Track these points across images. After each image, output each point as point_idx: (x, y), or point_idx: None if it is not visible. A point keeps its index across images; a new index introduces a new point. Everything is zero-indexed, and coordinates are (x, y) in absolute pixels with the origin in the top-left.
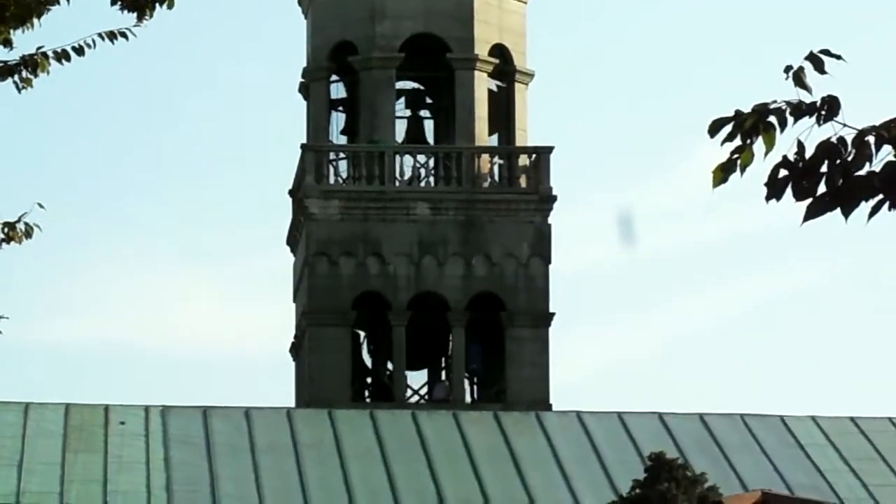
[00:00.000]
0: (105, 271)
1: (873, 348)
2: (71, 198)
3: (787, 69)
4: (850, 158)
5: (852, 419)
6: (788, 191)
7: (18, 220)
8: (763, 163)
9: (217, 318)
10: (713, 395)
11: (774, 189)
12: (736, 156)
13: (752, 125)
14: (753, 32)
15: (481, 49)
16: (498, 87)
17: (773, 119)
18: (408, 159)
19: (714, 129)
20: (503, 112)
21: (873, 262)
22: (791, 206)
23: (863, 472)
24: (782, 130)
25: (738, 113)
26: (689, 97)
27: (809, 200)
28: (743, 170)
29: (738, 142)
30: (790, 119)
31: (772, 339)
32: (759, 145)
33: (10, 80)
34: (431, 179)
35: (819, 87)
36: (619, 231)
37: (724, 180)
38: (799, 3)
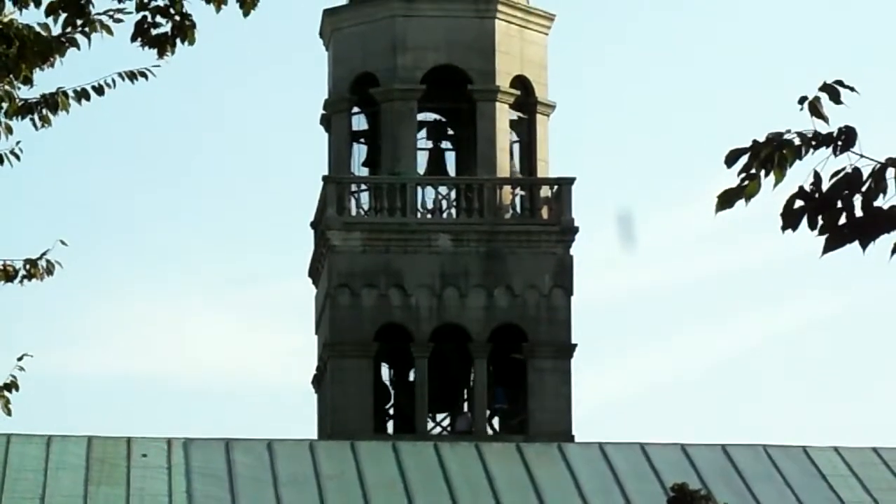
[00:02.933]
0: (127, 304)
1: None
2: (92, 232)
3: (802, 100)
4: (865, 189)
5: (875, 450)
6: (805, 221)
7: (41, 257)
8: (776, 192)
9: (239, 349)
10: (735, 425)
11: (790, 220)
12: (745, 184)
13: (768, 155)
14: (773, 64)
15: (503, 81)
16: (520, 118)
17: (788, 149)
18: (429, 191)
19: (731, 159)
20: (525, 143)
21: (893, 293)
22: (811, 236)
23: (885, 503)
24: (799, 160)
25: (754, 143)
26: (710, 128)
27: (829, 233)
28: (748, 199)
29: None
30: (806, 149)
31: (794, 370)
32: (770, 175)
33: (28, 118)
34: (453, 211)
35: (833, 117)
36: (618, 231)
37: (728, 206)
38: (815, 34)
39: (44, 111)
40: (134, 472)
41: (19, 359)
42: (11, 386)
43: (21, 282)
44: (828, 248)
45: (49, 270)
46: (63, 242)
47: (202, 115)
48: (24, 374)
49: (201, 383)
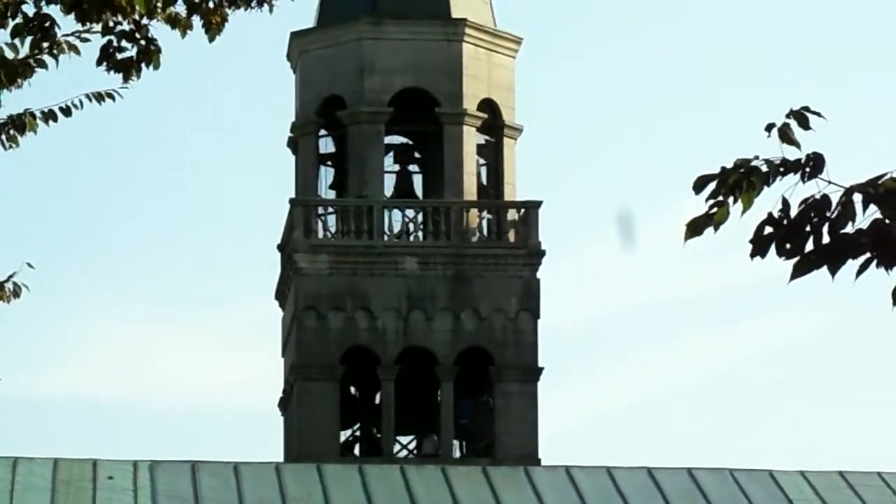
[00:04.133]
0: (93, 326)
1: (861, 403)
2: (58, 254)
3: (769, 127)
4: (834, 216)
5: (841, 473)
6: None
7: (7, 280)
8: (743, 219)
9: (206, 372)
10: (702, 449)
11: (759, 247)
12: (713, 211)
13: (736, 181)
14: (740, 87)
15: (470, 104)
16: (487, 141)
17: (756, 176)
18: (396, 214)
19: (699, 185)
20: (492, 166)
21: (860, 317)
22: (776, 260)
23: None
24: (768, 186)
25: (723, 170)
26: (677, 151)
27: (796, 259)
28: (717, 227)
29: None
30: (774, 176)
31: (760, 393)
32: (739, 202)
33: None
34: (420, 234)
35: (801, 142)
36: (618, 232)
37: (697, 234)
38: (782, 58)
39: (11, 132)
40: (100, 494)
41: None
42: None
43: None
44: (795, 274)
45: (16, 293)
46: (30, 265)
47: (169, 137)
48: None
49: (168, 406)
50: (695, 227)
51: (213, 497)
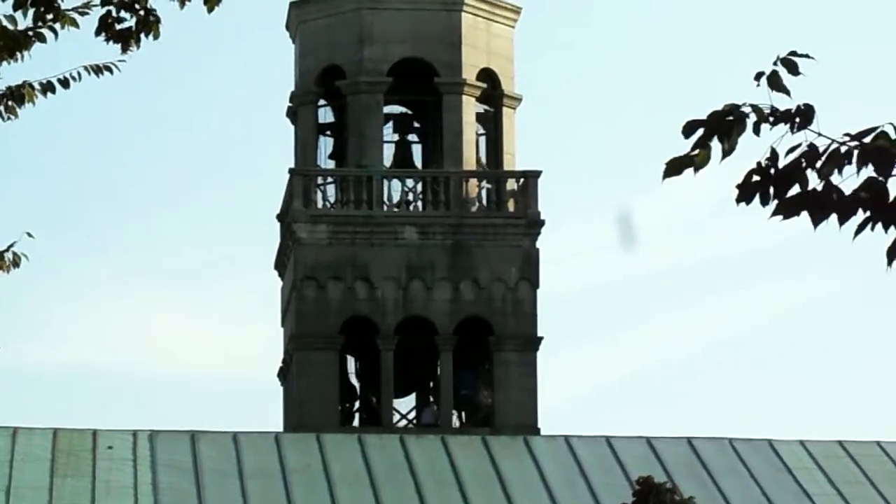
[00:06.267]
0: (92, 296)
1: (860, 371)
2: (57, 224)
3: (759, 76)
4: (820, 166)
5: (840, 443)
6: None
7: (7, 250)
8: (739, 175)
9: (205, 342)
10: (701, 418)
11: (744, 193)
12: (695, 152)
13: (726, 127)
14: (736, 47)
15: (469, 73)
16: (486, 111)
17: (739, 123)
18: (395, 184)
19: (688, 130)
20: (491, 136)
21: (858, 286)
22: (771, 230)
23: (851, 496)
24: (757, 135)
25: (711, 114)
26: (679, 119)
27: (781, 199)
28: (697, 169)
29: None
30: (765, 125)
31: (759, 363)
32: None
33: None
34: (419, 204)
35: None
36: (618, 232)
37: (676, 174)
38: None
39: (10, 103)
40: (100, 464)
41: None
42: None
43: None
44: (777, 213)
45: (16, 263)
46: (30, 235)
47: (168, 108)
48: None
49: (167, 375)
50: (674, 167)
51: (213, 466)
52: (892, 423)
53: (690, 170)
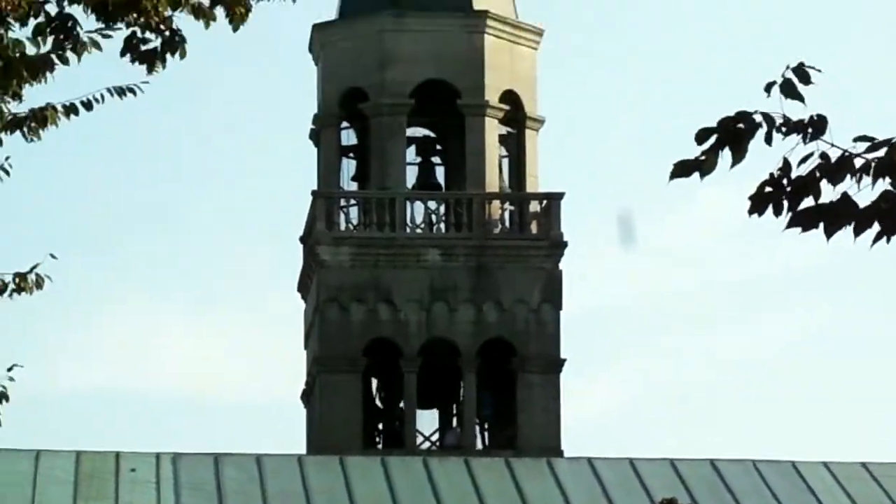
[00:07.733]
0: (115, 318)
1: (885, 393)
2: (81, 247)
3: (769, 86)
4: (833, 177)
5: (864, 465)
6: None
7: (30, 271)
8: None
9: (229, 364)
10: (724, 440)
11: (757, 204)
12: (703, 157)
13: (738, 135)
14: (764, 68)
15: (492, 95)
16: (509, 132)
17: (750, 130)
18: (418, 206)
19: (701, 137)
20: (514, 158)
21: (883, 306)
22: (802, 251)
23: None
24: (769, 145)
25: (722, 120)
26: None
27: (796, 210)
28: (704, 174)
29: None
30: (777, 135)
31: (783, 385)
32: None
33: (18, 132)
34: (442, 226)
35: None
36: (618, 232)
37: (683, 175)
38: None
39: (33, 125)
40: (122, 486)
41: (9, 369)
42: (1, 397)
43: (10, 295)
44: (791, 224)
45: (39, 284)
46: (53, 256)
47: (190, 129)
48: (13, 384)
49: (191, 398)
50: (681, 169)
51: (236, 489)
52: None
53: (698, 174)
